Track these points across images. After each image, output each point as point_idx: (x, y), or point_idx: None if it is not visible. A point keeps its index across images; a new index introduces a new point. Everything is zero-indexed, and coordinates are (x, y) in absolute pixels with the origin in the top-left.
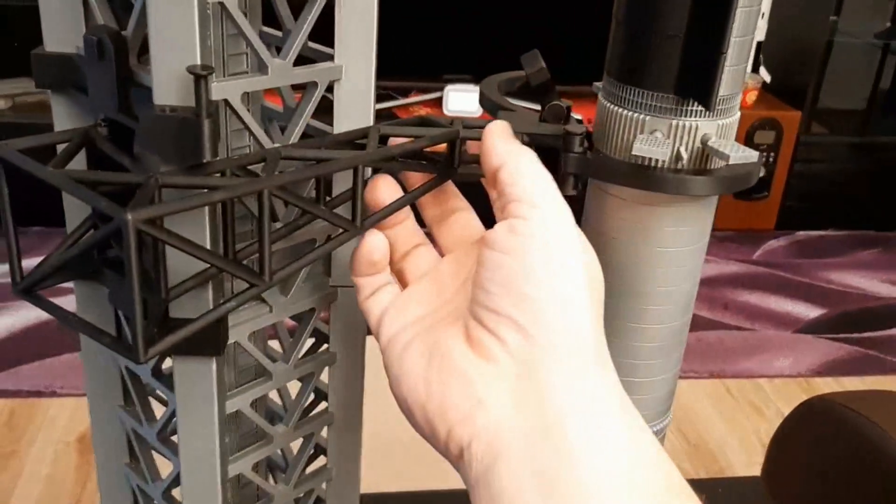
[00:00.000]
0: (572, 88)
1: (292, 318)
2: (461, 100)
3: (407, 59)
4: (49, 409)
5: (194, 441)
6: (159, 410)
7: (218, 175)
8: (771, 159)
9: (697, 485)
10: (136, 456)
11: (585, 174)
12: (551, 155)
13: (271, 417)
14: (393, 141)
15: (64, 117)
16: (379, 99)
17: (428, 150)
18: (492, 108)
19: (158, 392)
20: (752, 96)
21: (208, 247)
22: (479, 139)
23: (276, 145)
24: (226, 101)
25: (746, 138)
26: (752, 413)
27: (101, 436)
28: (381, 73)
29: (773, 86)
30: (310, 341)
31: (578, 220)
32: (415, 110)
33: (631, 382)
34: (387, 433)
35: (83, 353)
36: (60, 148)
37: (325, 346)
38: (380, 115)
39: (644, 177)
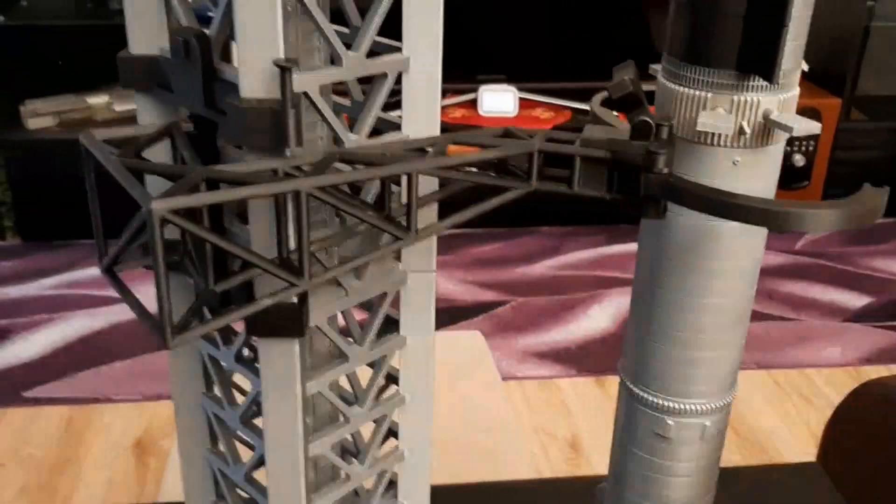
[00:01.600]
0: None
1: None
2: (496, 100)
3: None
4: (104, 416)
5: (278, 421)
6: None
7: (271, 171)
8: (812, 148)
9: (752, 471)
10: (217, 441)
11: (668, 199)
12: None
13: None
14: (455, 149)
15: (148, 115)
16: None
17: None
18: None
19: (236, 380)
20: None
21: (254, 240)
22: (561, 153)
23: (338, 148)
24: (305, 93)
25: None
26: (802, 404)
27: (185, 422)
28: None
29: (812, 74)
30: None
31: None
32: (450, 112)
33: (697, 358)
34: (442, 432)
35: None
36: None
37: (396, 332)
38: None
39: (754, 211)
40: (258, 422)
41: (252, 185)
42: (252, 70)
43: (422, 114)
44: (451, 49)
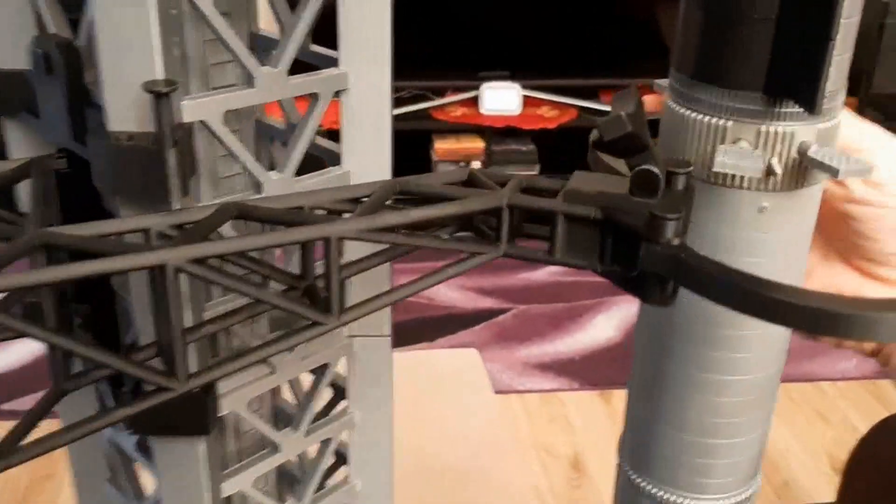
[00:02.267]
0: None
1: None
2: (498, 98)
3: (440, 57)
4: None
5: None
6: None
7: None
8: None
9: None
10: None
11: (677, 282)
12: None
13: (290, 479)
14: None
15: (18, 146)
16: (413, 100)
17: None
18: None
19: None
20: None
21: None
22: (535, 209)
23: (231, 197)
24: (202, 122)
25: None
26: (816, 419)
27: None
28: (413, 73)
29: None
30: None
31: None
32: (450, 111)
33: (713, 445)
34: (435, 456)
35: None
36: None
37: (345, 409)
38: (414, 117)
39: (807, 314)
40: None
41: (99, 260)
42: (119, 95)
43: (367, 143)
44: (452, 44)
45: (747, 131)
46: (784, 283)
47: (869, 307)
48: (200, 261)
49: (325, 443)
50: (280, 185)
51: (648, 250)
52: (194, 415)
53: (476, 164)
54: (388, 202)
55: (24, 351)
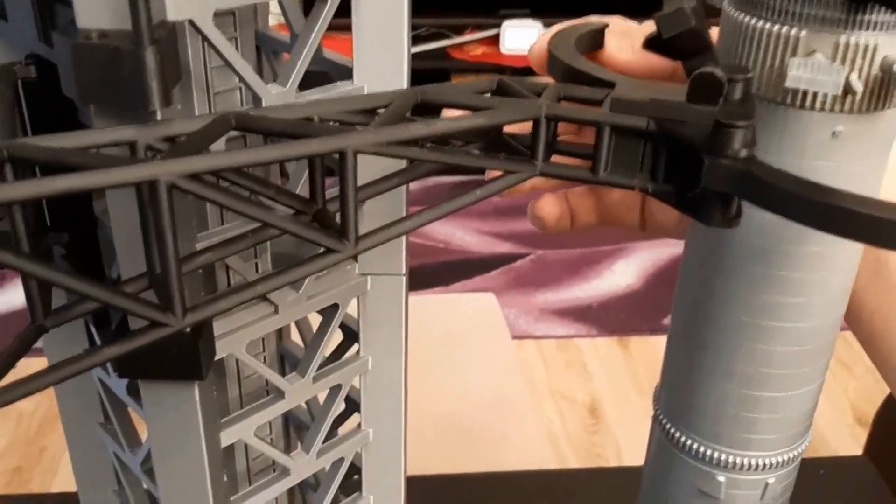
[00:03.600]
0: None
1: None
2: (520, 37)
3: None
4: None
5: (176, 486)
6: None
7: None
8: None
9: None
10: (122, 483)
11: (747, 199)
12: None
13: (298, 424)
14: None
15: None
16: (431, 38)
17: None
18: (567, 75)
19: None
20: None
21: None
22: (581, 121)
23: (239, 108)
24: (191, 22)
25: None
26: (840, 370)
27: (80, 459)
28: (432, 10)
29: None
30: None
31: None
32: (469, 49)
33: (762, 398)
34: (439, 415)
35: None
36: None
37: (357, 353)
38: (432, 56)
39: None
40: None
41: (78, 174)
42: None
43: (380, 53)
44: None
45: (824, 42)
46: (866, 196)
47: None
48: (196, 177)
49: (335, 390)
50: (281, 99)
51: (713, 165)
52: (187, 357)
53: None
54: (407, 115)
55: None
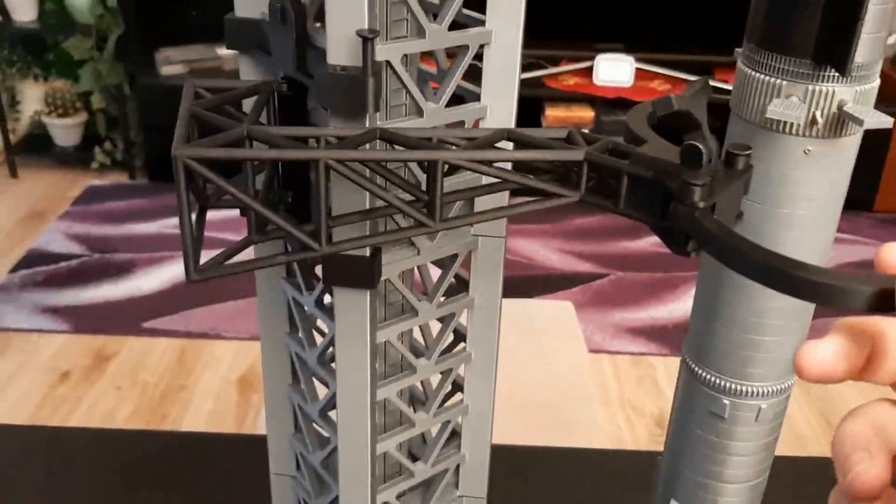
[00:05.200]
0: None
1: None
2: (612, 70)
3: (558, 28)
4: (215, 350)
5: (349, 365)
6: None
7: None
8: None
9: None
10: (297, 378)
11: (693, 237)
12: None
13: (415, 353)
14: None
15: (249, 75)
16: (528, 68)
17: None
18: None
19: (319, 324)
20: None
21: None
22: (607, 166)
23: (391, 121)
24: (388, 62)
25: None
26: None
27: (269, 359)
28: (530, 42)
29: None
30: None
31: None
32: (563, 80)
33: (757, 341)
34: (522, 397)
35: (259, 283)
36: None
37: (466, 293)
38: (528, 84)
39: (795, 282)
40: (335, 364)
41: (272, 149)
42: (338, 39)
43: (500, 85)
44: (569, 17)
45: (798, 89)
46: (784, 256)
47: (852, 281)
48: (341, 162)
49: (448, 318)
50: (435, 112)
51: (676, 208)
52: (365, 273)
53: None
54: (494, 145)
55: (165, 277)
